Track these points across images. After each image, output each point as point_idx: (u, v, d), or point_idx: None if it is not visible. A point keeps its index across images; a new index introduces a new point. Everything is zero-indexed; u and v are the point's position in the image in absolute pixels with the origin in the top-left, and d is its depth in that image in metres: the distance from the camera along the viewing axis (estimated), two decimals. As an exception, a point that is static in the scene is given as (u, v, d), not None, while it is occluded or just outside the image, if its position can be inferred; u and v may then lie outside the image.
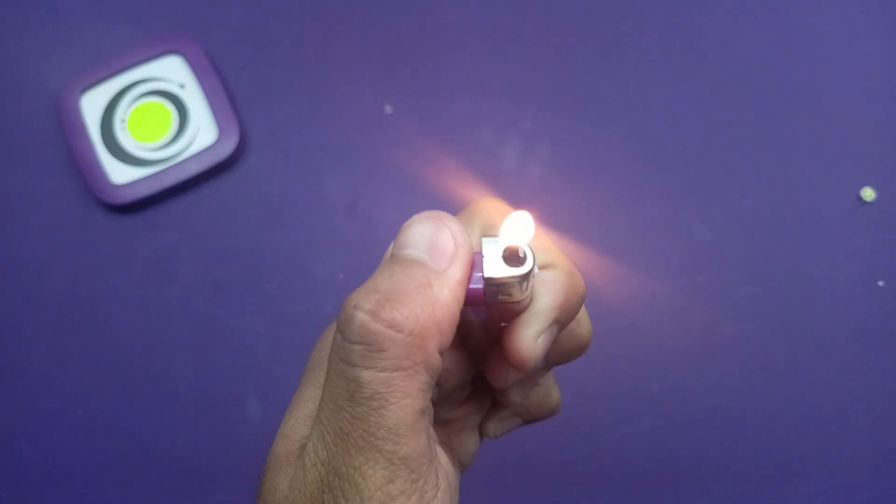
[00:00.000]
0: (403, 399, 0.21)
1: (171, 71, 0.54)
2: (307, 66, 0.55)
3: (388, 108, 0.54)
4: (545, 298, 0.24)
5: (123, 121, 0.53)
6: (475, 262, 0.23)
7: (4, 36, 0.56)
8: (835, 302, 0.50)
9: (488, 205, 0.26)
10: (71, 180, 0.53)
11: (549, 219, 0.54)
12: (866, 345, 0.50)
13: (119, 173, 0.52)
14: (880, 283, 0.50)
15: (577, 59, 0.55)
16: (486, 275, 0.22)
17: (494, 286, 0.22)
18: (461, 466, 0.29)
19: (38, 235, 0.53)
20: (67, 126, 0.53)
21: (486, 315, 0.25)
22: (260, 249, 0.52)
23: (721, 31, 0.55)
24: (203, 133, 0.53)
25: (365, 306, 0.21)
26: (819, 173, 0.52)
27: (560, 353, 0.27)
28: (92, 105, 0.53)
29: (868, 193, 0.51)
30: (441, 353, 0.22)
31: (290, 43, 0.56)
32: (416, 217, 0.23)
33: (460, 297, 0.22)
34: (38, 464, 0.50)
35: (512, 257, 0.22)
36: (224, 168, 0.53)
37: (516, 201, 0.55)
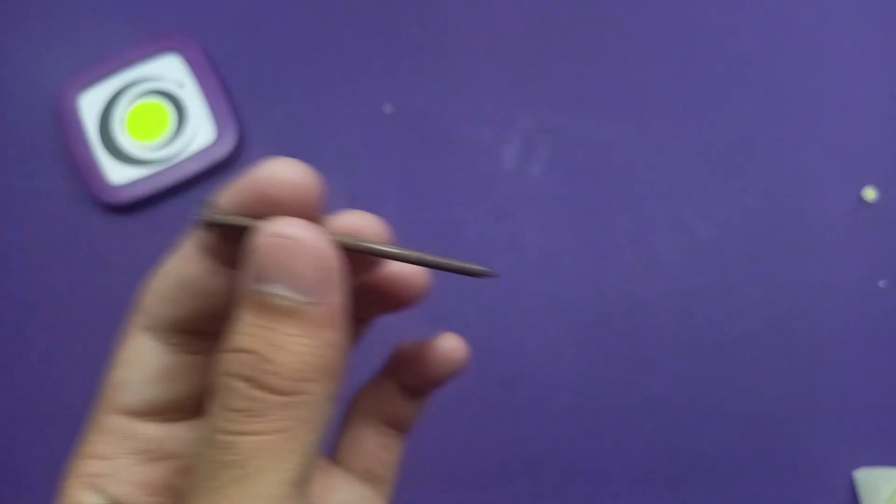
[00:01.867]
0: (281, 464, 0.18)
1: (170, 70, 0.54)
2: (307, 66, 0.55)
3: (388, 108, 0.54)
4: None
5: (121, 120, 0.53)
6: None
7: (0, 35, 0.56)
8: (836, 302, 0.50)
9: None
10: (69, 180, 0.53)
11: (550, 218, 0.54)
12: (867, 345, 0.50)
13: (117, 173, 0.52)
14: (881, 284, 0.50)
15: (578, 59, 0.55)
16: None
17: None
18: (403, 433, 0.28)
19: (35, 236, 0.53)
20: (65, 126, 0.53)
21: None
22: (259, 250, 0.52)
23: (722, 31, 0.55)
24: (202, 133, 0.53)
25: (243, 371, 0.18)
26: (821, 173, 0.52)
27: None
28: (90, 104, 0.53)
29: (870, 193, 0.51)
30: (333, 395, 0.19)
31: (289, 43, 0.55)
32: (263, 237, 0.19)
33: (344, 322, 0.19)
34: (37, 464, 0.50)
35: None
36: (223, 168, 0.53)
37: (516, 201, 0.55)
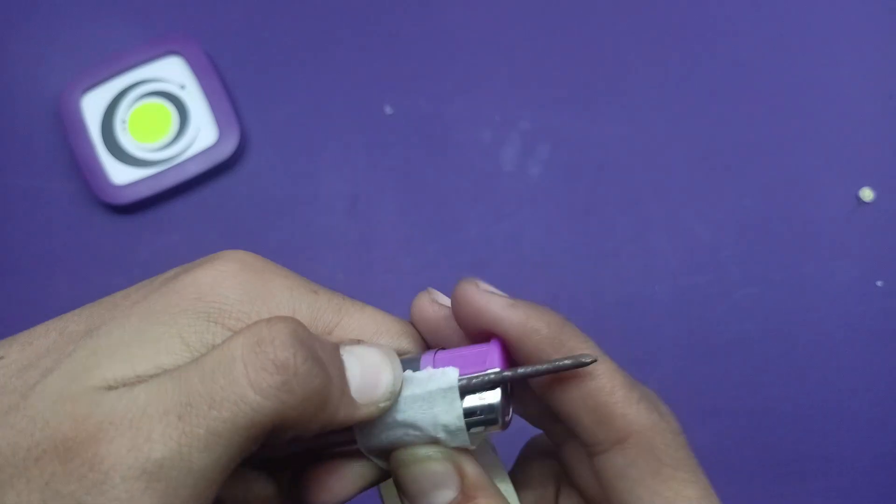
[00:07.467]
0: None
1: (172, 72, 0.54)
2: (307, 66, 0.55)
3: (388, 109, 0.54)
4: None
5: (124, 121, 0.53)
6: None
7: (5, 36, 0.57)
8: (833, 302, 0.50)
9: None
10: (71, 181, 0.54)
11: (548, 219, 0.54)
12: (864, 345, 0.50)
13: (120, 174, 0.52)
14: (879, 284, 0.50)
15: (577, 59, 0.55)
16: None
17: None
18: None
19: (38, 236, 0.53)
20: (68, 126, 0.53)
21: None
22: (260, 249, 0.52)
23: (721, 31, 0.55)
24: (203, 134, 0.53)
25: None
26: (818, 174, 0.52)
27: None
28: (93, 106, 0.54)
29: (867, 194, 0.51)
30: None
31: (290, 43, 0.56)
32: (413, 460, 0.23)
33: (489, 481, 0.23)
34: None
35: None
36: (224, 168, 0.53)
37: (516, 201, 0.55)
